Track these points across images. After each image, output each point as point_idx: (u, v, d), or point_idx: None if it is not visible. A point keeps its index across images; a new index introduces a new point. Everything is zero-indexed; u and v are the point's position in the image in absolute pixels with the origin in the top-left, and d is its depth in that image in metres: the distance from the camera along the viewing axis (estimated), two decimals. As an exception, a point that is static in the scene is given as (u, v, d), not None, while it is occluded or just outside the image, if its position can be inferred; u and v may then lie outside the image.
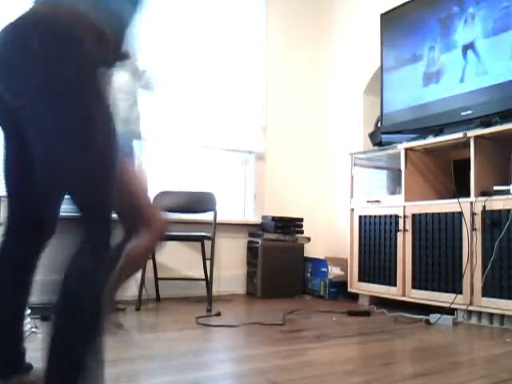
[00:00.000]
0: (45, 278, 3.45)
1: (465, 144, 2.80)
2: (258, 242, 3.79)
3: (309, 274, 3.91)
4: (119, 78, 2.05)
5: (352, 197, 3.58)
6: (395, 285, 3.14)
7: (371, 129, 3.76)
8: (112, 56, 1.27)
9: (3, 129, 1.28)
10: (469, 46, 2.93)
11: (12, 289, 1.36)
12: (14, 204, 1.32)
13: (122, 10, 1.28)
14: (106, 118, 1.15)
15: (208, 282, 3.26)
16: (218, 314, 2.84)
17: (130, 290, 3.06)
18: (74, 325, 1.11)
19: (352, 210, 3.55)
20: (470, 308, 2.66)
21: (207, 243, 3.32)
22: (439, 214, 2.89)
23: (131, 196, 2.10)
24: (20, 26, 1.15)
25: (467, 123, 2.88)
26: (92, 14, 1.18)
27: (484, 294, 2.60)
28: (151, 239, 2.03)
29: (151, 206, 1.77)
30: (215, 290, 3.49)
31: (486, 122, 2.76)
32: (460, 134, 2.80)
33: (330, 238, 4.22)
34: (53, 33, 1.10)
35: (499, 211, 2.58)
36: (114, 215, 1.28)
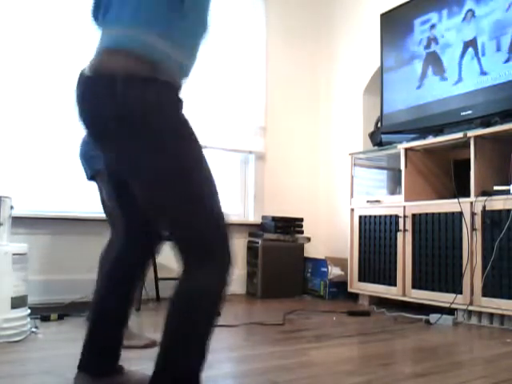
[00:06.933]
0: (46, 278, 3.45)
1: (465, 144, 2.80)
2: (257, 242, 3.79)
3: (309, 274, 3.91)
4: None
5: (352, 197, 3.58)
6: (395, 285, 3.14)
7: (371, 129, 3.76)
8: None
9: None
10: (469, 46, 2.93)
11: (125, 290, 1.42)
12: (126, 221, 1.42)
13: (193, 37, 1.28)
14: (195, 156, 1.22)
15: (208, 282, 3.25)
16: (218, 314, 2.84)
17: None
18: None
19: (352, 210, 3.55)
20: (470, 308, 2.66)
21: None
22: (439, 213, 2.89)
23: None
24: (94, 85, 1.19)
25: (467, 123, 2.88)
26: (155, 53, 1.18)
27: (484, 294, 2.60)
28: None
29: None
30: (215, 290, 3.48)
31: (485, 122, 2.75)
32: (460, 134, 2.80)
33: (330, 237, 4.22)
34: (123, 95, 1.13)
35: (499, 211, 2.58)
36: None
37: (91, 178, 2.54)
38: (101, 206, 2.65)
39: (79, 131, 2.64)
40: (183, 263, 1.19)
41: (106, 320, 1.38)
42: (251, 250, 3.87)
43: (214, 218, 1.20)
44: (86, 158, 2.51)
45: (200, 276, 1.17)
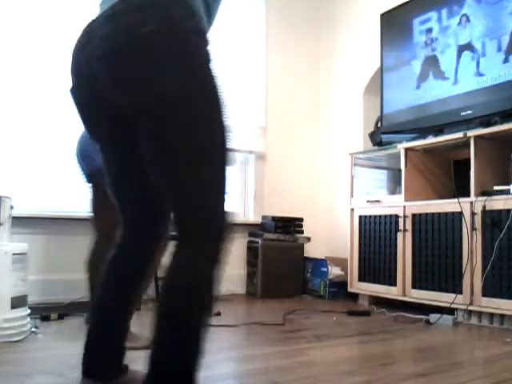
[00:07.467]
0: (46, 278, 3.45)
1: (465, 144, 2.80)
2: (258, 242, 3.79)
3: (309, 274, 3.91)
4: None
5: (352, 197, 3.58)
6: (395, 285, 3.14)
7: (371, 129, 3.76)
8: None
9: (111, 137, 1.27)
10: (468, 46, 2.93)
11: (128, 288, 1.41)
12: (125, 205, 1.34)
13: None
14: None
15: (208, 281, 3.25)
16: (218, 314, 2.84)
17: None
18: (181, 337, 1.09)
19: (352, 209, 3.55)
20: (470, 308, 2.66)
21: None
22: (439, 213, 2.89)
23: None
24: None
25: (467, 123, 2.88)
26: None
27: (484, 294, 2.60)
28: None
29: None
30: (215, 290, 3.48)
31: (485, 122, 2.75)
32: (460, 134, 2.80)
33: (330, 238, 4.22)
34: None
35: (499, 211, 2.58)
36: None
37: (88, 176, 2.46)
38: (91, 206, 2.48)
39: (78, 130, 2.63)
40: (177, 240, 1.13)
41: (107, 322, 1.36)
42: (251, 249, 3.87)
43: (221, 190, 1.13)
44: (83, 155, 2.44)
45: (193, 262, 1.12)
